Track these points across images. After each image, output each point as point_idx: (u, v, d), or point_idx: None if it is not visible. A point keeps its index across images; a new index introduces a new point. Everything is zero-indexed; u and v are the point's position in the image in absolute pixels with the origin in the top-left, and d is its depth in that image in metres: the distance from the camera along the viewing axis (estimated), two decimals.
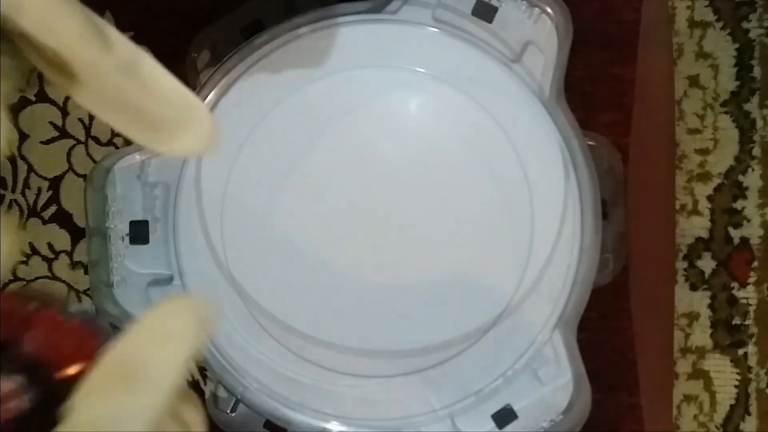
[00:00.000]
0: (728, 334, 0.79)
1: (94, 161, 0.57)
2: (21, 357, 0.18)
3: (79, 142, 0.57)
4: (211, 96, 0.44)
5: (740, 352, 0.78)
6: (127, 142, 0.57)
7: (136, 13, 0.53)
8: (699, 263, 0.80)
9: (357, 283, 0.43)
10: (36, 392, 0.17)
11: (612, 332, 0.48)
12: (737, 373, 0.78)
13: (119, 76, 0.19)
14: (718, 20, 0.80)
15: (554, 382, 0.43)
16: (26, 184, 0.59)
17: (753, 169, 0.79)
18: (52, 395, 0.17)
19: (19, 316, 0.18)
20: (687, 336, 0.79)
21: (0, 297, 0.18)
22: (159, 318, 0.19)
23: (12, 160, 0.56)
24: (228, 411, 0.45)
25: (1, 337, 0.18)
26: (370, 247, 0.43)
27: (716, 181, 0.80)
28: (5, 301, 0.18)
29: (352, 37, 0.43)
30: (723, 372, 0.78)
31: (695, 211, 0.80)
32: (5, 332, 0.18)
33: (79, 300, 0.55)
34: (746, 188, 0.79)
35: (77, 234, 0.60)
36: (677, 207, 0.80)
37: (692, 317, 0.79)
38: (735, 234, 0.79)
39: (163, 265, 0.45)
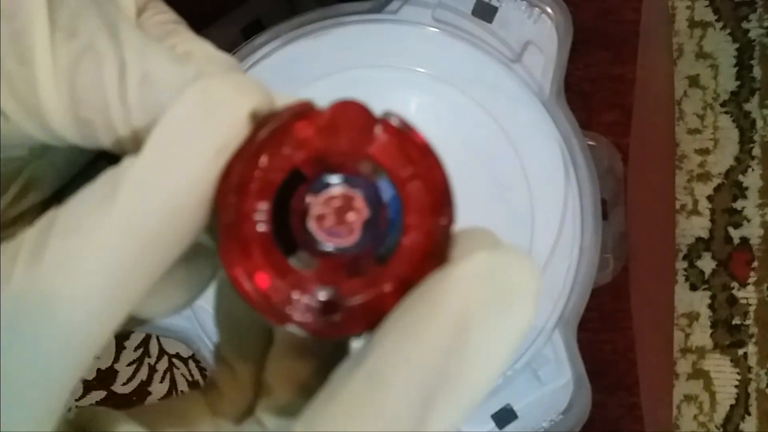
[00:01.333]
0: (728, 334, 0.79)
1: None
2: (358, 168, 0.15)
3: None
4: None
5: (740, 352, 0.78)
6: None
7: None
8: (699, 263, 0.80)
9: None
10: (372, 199, 0.15)
11: (612, 332, 0.48)
12: (737, 373, 0.78)
13: None
14: (718, 20, 0.80)
15: (554, 382, 0.43)
16: None
17: (753, 169, 0.79)
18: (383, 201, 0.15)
19: (365, 122, 0.15)
20: (687, 336, 0.79)
21: (350, 106, 0.15)
22: (498, 265, 0.13)
23: None
24: None
25: (346, 147, 0.15)
26: None
27: (716, 181, 0.80)
28: (350, 105, 0.15)
29: (352, 37, 0.43)
30: (723, 372, 0.78)
31: (695, 211, 0.80)
32: (349, 141, 0.15)
33: None
34: (746, 188, 0.79)
35: None
36: (677, 207, 0.80)
37: (692, 317, 0.79)
38: (735, 234, 0.79)
39: None
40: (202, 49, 0.16)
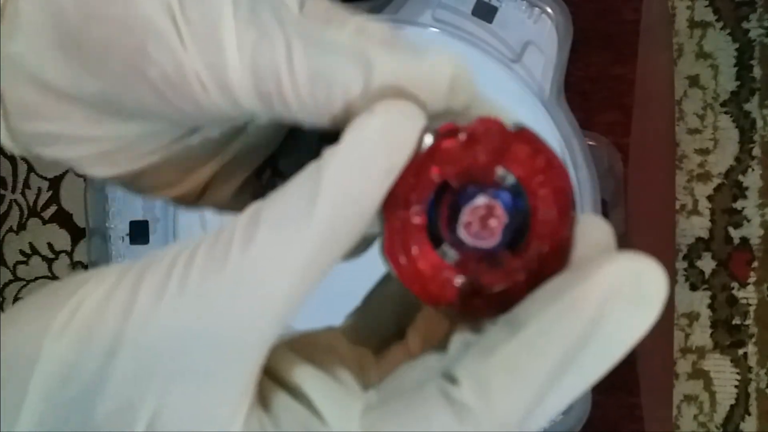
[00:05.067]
0: (728, 334, 0.79)
1: None
2: (496, 178, 0.18)
3: None
4: None
5: (740, 352, 0.78)
6: None
7: None
8: (699, 263, 0.80)
9: (356, 282, 0.43)
10: (510, 210, 0.18)
11: None
12: (737, 373, 0.78)
13: None
14: (718, 20, 0.80)
15: None
16: (26, 184, 0.59)
17: (753, 169, 0.79)
18: (522, 212, 0.18)
19: (501, 137, 0.18)
20: (687, 336, 0.79)
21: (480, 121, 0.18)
22: (639, 272, 0.16)
23: (12, 160, 0.56)
24: None
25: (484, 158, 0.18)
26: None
27: (716, 181, 0.80)
28: (487, 122, 0.18)
29: None
30: (723, 372, 0.78)
31: (695, 211, 0.80)
32: (488, 155, 0.18)
33: None
34: (746, 188, 0.79)
35: (77, 234, 0.60)
36: (677, 207, 0.80)
37: (692, 317, 0.79)
38: (735, 234, 0.79)
39: None
40: (360, 23, 0.19)
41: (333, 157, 0.17)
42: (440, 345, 0.19)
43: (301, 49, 0.18)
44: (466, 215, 0.18)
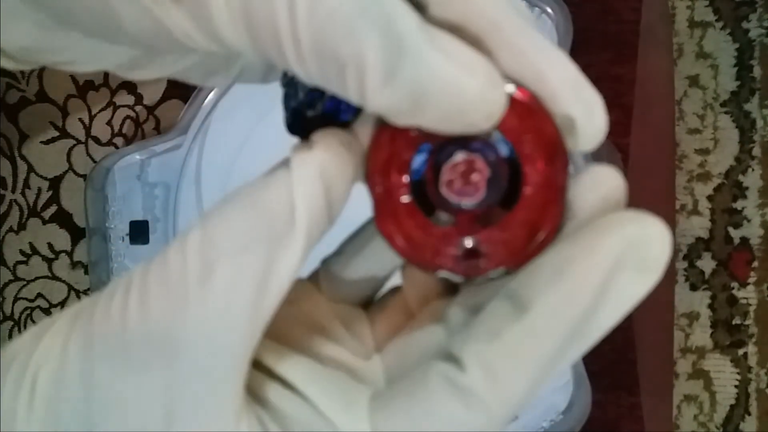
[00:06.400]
0: (728, 334, 0.78)
1: (94, 161, 0.57)
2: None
3: (79, 142, 0.57)
4: (210, 96, 0.44)
5: (740, 352, 0.78)
6: (127, 142, 0.57)
7: None
8: (699, 263, 0.80)
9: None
10: (491, 158, 0.17)
11: (612, 332, 0.48)
12: (737, 373, 0.78)
13: None
14: (718, 20, 0.80)
15: (554, 382, 0.43)
16: (26, 184, 0.59)
17: (753, 169, 0.79)
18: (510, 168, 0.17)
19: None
20: (687, 336, 0.79)
21: None
22: (644, 238, 0.15)
23: (12, 160, 0.56)
24: None
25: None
26: None
27: (716, 181, 0.80)
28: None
29: None
30: (723, 372, 0.78)
31: (695, 211, 0.80)
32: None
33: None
34: (746, 188, 0.79)
35: (77, 234, 0.60)
36: (677, 207, 0.80)
37: (692, 317, 0.79)
38: (735, 234, 0.79)
39: None
40: None
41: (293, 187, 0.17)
42: (438, 311, 0.18)
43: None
44: (446, 173, 0.17)
